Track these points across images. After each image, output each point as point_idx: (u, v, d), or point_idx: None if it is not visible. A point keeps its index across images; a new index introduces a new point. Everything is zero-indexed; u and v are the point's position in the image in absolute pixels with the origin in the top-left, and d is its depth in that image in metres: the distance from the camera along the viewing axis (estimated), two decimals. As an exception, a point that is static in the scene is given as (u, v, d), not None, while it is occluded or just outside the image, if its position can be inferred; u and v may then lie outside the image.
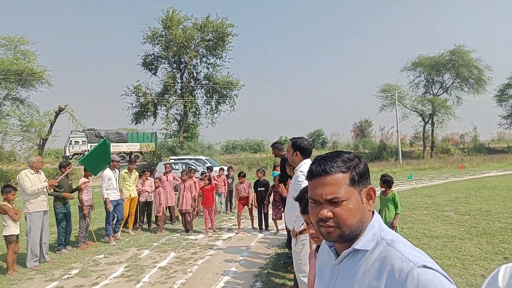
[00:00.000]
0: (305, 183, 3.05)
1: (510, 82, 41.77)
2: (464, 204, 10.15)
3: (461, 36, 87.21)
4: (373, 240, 1.09)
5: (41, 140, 23.97)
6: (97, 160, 7.12)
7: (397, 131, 35.17)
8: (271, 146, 6.23)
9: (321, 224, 1.10)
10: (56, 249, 6.79)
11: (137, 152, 30.38)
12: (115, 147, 28.63)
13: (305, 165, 3.58)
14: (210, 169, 10.96)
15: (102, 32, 79.34)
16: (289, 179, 5.25)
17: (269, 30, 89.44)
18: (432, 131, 38.65)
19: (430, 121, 38.12)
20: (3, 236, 5.66)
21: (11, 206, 5.66)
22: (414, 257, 1.00)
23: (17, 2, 71.08)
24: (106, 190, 7.45)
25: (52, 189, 6.68)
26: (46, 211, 6.15)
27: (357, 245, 1.09)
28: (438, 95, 38.96)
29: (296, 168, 3.64)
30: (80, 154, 27.15)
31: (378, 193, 8.97)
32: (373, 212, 1.16)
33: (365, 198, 1.12)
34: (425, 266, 0.98)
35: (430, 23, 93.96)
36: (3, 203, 5.64)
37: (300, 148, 3.63)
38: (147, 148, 31.14)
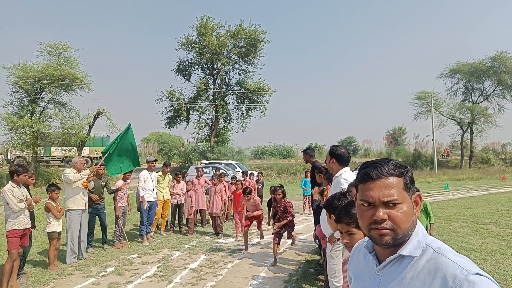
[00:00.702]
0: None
1: (557, 90, 39.22)
2: (506, 217, 9.63)
3: (503, 42, 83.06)
4: (419, 247, 1.10)
5: (81, 142, 25.10)
6: (125, 153, 7.31)
7: (432, 140, 33.90)
8: (303, 152, 6.24)
9: (373, 227, 1.10)
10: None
11: (86, 156, 27.52)
12: (64, 151, 28.04)
13: (345, 173, 3.61)
14: (245, 173, 11.01)
15: (139, 39, 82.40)
16: (316, 186, 5.21)
17: (301, 35, 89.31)
18: (471, 140, 36.93)
19: (469, 130, 36.48)
20: (46, 232, 5.99)
21: (55, 205, 5.99)
22: (466, 265, 1.02)
23: (59, 11, 75.30)
24: (142, 189, 7.70)
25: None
26: (84, 209, 6.46)
27: (404, 251, 1.10)
28: (478, 103, 37.19)
29: (335, 175, 3.67)
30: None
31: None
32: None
33: (414, 204, 1.14)
34: (478, 274, 1.00)
35: (469, 29, 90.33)
36: (48, 201, 5.98)
37: (336, 155, 3.66)
38: (96, 153, 29.31)
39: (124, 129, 7.50)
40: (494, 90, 37.22)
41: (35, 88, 23.32)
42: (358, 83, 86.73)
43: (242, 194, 7.16)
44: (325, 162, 4.10)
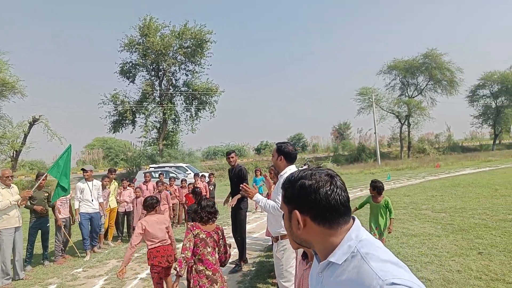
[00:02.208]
0: None
1: (481, 83, 43.48)
2: (440, 202, 10.45)
3: (433, 39, 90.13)
4: (348, 252, 1.05)
5: (15, 151, 23.21)
6: (67, 169, 6.90)
7: (375, 133, 35.90)
8: (227, 154, 6.30)
9: None
10: (24, 265, 6.32)
11: None
12: None
13: (290, 171, 3.59)
14: (197, 175, 10.85)
15: (77, 40, 77.78)
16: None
17: (248, 36, 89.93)
18: (409, 132, 39.71)
19: (406, 122, 39.16)
20: (-25, 253, 5.45)
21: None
22: (384, 273, 0.96)
23: (-14, 11, 68.81)
24: (79, 202, 7.22)
25: (29, 202, 6.51)
26: (18, 227, 5.92)
27: (332, 257, 1.07)
28: (413, 97, 40.13)
29: (281, 173, 3.66)
30: None
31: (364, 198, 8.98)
32: (353, 219, 1.12)
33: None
34: (393, 283, 0.93)
35: (405, 27, 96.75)
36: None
37: (284, 152, 3.64)
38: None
39: (66, 149, 7.03)
40: (426, 84, 40.37)
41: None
42: (304, 80, 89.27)
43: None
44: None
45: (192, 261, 3.43)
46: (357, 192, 14.90)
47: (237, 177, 6.04)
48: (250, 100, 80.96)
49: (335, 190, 1.10)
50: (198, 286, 3.34)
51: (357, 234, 1.08)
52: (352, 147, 41.18)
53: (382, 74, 41.10)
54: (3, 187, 5.80)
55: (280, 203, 2.19)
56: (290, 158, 3.67)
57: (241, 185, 3.80)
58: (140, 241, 4.18)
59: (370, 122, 67.36)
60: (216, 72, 72.03)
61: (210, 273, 3.38)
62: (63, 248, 7.13)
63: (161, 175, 9.93)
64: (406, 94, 41.09)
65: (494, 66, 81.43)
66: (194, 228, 3.52)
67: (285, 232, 3.51)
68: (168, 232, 4.37)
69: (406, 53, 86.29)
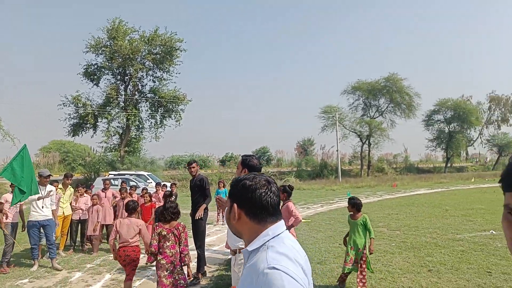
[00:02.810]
0: None
1: (436, 109, 46.28)
2: (396, 220, 10.89)
3: (395, 64, 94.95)
4: (260, 244, 1.27)
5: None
6: (23, 172, 6.49)
7: (337, 151, 37.02)
8: (188, 164, 6.25)
9: None
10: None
11: None
12: None
13: None
14: (159, 184, 10.62)
15: (38, 35, 74.34)
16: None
17: (216, 47, 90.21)
18: (369, 151, 41.29)
19: (367, 142, 40.72)
20: None
21: None
22: (272, 260, 1.16)
23: None
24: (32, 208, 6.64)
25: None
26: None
27: (249, 247, 1.29)
28: (375, 118, 41.95)
29: None
30: None
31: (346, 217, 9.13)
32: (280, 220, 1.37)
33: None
34: (274, 268, 1.13)
35: (370, 50, 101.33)
36: None
37: (249, 166, 3.66)
38: None
39: (20, 149, 6.60)
40: (387, 107, 42.36)
41: None
42: (271, 94, 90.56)
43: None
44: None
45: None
46: (318, 208, 15.19)
47: (198, 187, 5.99)
48: (216, 111, 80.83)
49: (269, 193, 1.35)
50: (159, 276, 4.22)
51: (274, 232, 1.30)
52: (315, 163, 42.10)
53: (346, 94, 42.70)
54: None
55: None
56: (254, 171, 3.71)
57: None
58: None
59: (333, 140, 69.42)
60: (183, 79, 71.58)
61: (164, 263, 4.23)
62: (7, 258, 6.66)
63: (123, 183, 9.63)
64: (368, 115, 42.88)
65: (448, 94, 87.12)
66: (158, 227, 4.35)
67: (243, 246, 3.52)
68: (140, 233, 4.85)
69: (369, 75, 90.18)
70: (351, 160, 47.67)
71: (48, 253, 6.98)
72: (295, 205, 5.32)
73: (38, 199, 6.56)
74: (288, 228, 4.94)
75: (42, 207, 6.67)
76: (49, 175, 7.06)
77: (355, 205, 5.18)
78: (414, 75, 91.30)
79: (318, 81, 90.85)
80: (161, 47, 30.86)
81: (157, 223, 4.50)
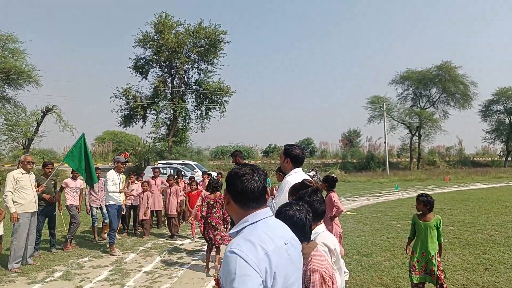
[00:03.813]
0: (286, 194, 3.08)
1: (495, 98, 42.85)
2: (449, 216, 10.33)
3: (449, 52, 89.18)
4: (238, 228, 1.47)
5: (27, 140, 23.56)
6: (81, 159, 6.96)
7: (384, 142, 35.67)
8: (231, 155, 6.19)
9: None
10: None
11: None
12: None
13: (295, 174, 3.56)
14: (205, 173, 10.91)
15: (93, 33, 78.75)
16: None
17: (262, 38, 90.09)
18: (419, 143, 39.32)
19: (417, 134, 38.80)
20: (-14, 236, 5.55)
21: (-5, 206, 5.56)
22: (236, 245, 1.33)
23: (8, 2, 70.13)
24: (110, 193, 6.82)
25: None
26: (34, 212, 6.04)
27: (232, 230, 1.51)
28: (425, 109, 39.78)
29: (286, 176, 3.64)
30: None
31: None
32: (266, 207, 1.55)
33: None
34: (233, 252, 1.30)
35: (420, 37, 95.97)
36: (-13, 202, 5.54)
37: (291, 155, 3.62)
38: None
39: (79, 138, 7.09)
40: (439, 97, 40.00)
41: (-25, 81, 21.57)
42: (316, 85, 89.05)
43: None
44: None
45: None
46: (364, 201, 14.81)
47: None
48: (261, 102, 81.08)
49: (251, 181, 1.49)
50: (206, 233, 5.69)
51: (253, 219, 1.46)
52: (361, 155, 40.93)
53: (395, 84, 40.82)
54: (23, 173, 5.91)
55: (276, 203, 2.85)
56: (297, 161, 3.65)
57: None
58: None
59: (380, 131, 66.93)
60: (228, 72, 72.52)
61: (213, 224, 5.67)
62: (71, 236, 7.22)
63: (179, 173, 10.01)
64: (418, 105, 40.74)
65: (509, 82, 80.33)
66: (206, 198, 5.84)
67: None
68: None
69: (419, 64, 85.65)
70: (400, 152, 45.75)
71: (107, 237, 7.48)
72: (339, 197, 5.22)
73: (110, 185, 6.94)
74: (331, 218, 4.87)
75: (120, 191, 7.04)
76: (126, 161, 7.46)
77: (427, 203, 4.22)
78: (470, 63, 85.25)
79: (364, 71, 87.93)
80: (206, 39, 31.38)
81: (205, 195, 5.98)
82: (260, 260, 1.31)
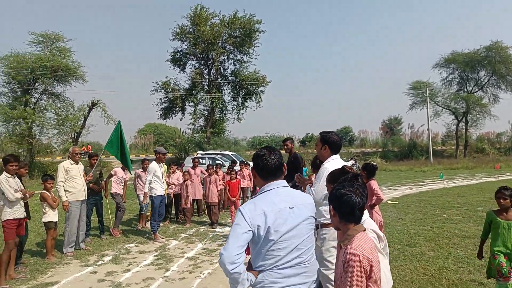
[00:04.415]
0: (324, 181, 3.05)
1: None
2: (499, 205, 9.76)
3: (498, 32, 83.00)
4: (256, 195, 2.04)
5: (75, 133, 24.96)
6: (117, 145, 7.31)
7: (428, 129, 34.10)
8: (283, 142, 6.32)
9: None
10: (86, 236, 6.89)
11: None
12: None
13: (333, 161, 3.51)
14: (234, 162, 11.14)
15: (133, 29, 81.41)
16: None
17: (298, 24, 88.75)
18: (466, 129, 37.12)
19: (463, 120, 36.67)
20: (43, 222, 6.00)
21: (50, 194, 5.98)
22: (244, 205, 1.94)
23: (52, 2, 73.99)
24: (150, 184, 7.02)
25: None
26: (83, 200, 6.45)
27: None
28: (473, 93, 37.33)
29: (323, 163, 3.59)
30: None
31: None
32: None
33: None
34: (239, 209, 1.90)
35: (463, 19, 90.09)
36: (43, 191, 5.97)
37: (329, 142, 3.55)
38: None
39: (116, 125, 7.45)
40: (489, 80, 37.35)
41: (28, 79, 23.04)
42: (353, 72, 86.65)
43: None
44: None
45: None
46: (406, 190, 14.33)
47: (292, 164, 5.85)
48: (296, 91, 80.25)
49: (268, 159, 2.00)
50: None
51: (267, 188, 1.99)
52: (402, 143, 39.39)
53: (438, 68, 38.56)
54: (72, 163, 6.31)
55: (315, 190, 3.25)
56: (335, 148, 3.57)
57: (296, 174, 3.82)
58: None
59: (423, 118, 64.01)
60: (264, 61, 72.27)
61: None
62: (119, 224, 7.64)
63: (218, 164, 10.21)
64: (465, 90, 38.30)
65: None
66: None
67: (325, 222, 3.48)
68: None
69: (465, 45, 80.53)
70: (445, 139, 43.49)
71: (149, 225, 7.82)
72: (379, 186, 5.08)
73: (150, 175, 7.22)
74: (371, 207, 4.76)
75: (163, 182, 7.28)
76: (167, 153, 7.75)
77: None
78: (524, 42, 78.80)
79: (405, 56, 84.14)
80: (241, 30, 31.38)
81: None
82: (255, 216, 1.84)
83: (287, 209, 1.90)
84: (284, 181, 2.06)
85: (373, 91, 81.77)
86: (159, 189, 7.13)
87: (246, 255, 1.81)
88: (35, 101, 23.90)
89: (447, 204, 10.25)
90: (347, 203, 1.85)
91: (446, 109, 36.77)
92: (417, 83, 36.46)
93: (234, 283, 1.80)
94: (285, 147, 6.18)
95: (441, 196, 11.84)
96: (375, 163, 5.98)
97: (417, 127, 42.34)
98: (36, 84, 23.56)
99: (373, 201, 4.80)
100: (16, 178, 5.25)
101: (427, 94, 34.03)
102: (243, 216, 1.83)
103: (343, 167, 2.90)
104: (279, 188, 1.99)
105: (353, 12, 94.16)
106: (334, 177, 2.66)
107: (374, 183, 4.94)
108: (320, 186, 3.37)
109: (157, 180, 7.08)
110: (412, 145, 37.70)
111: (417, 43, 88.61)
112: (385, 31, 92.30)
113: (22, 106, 22.46)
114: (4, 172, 5.07)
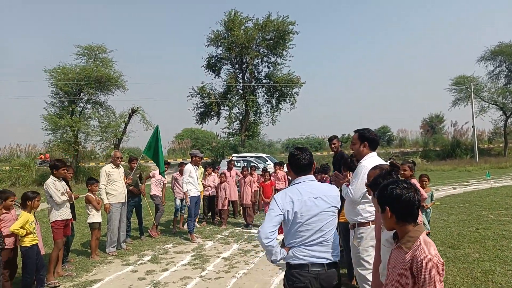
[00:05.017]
0: (364, 179, 2.98)
1: None
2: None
3: (551, 18, 77.11)
4: (288, 186, 2.64)
5: (117, 139, 26.13)
6: (154, 149, 7.52)
7: (472, 127, 32.30)
8: (328, 139, 6.22)
9: None
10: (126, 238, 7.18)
11: None
12: None
13: (370, 158, 3.41)
14: (277, 164, 11.14)
15: (169, 37, 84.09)
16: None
17: (332, 24, 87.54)
18: (516, 126, 34.75)
19: (512, 115, 34.35)
20: (88, 223, 6.35)
21: (94, 197, 6.32)
22: (277, 194, 2.48)
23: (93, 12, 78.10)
24: (187, 184, 7.26)
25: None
26: (124, 202, 6.75)
27: None
28: (523, 86, 34.92)
29: (360, 161, 3.51)
30: None
31: None
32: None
33: None
34: (273, 197, 2.46)
35: (509, 6, 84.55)
36: (88, 194, 6.32)
37: (368, 139, 3.46)
38: None
39: (154, 130, 7.72)
40: (541, 71, 34.77)
41: (74, 90, 24.47)
42: (390, 70, 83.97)
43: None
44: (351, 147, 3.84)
45: None
46: (449, 190, 13.67)
47: (338, 163, 5.70)
48: (332, 92, 79.03)
49: (300, 158, 2.46)
50: None
51: (297, 181, 2.47)
52: (444, 142, 37.50)
53: (484, 61, 36.40)
54: (113, 167, 6.64)
55: (353, 189, 3.37)
56: (374, 144, 3.49)
57: (333, 173, 3.82)
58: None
59: (467, 115, 60.68)
60: (298, 62, 71.96)
61: None
62: (157, 225, 7.91)
63: (252, 167, 10.24)
64: (514, 83, 35.95)
65: None
66: None
67: (363, 220, 3.42)
68: None
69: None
70: (492, 137, 40.94)
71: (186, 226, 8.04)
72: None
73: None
74: None
75: (198, 183, 7.54)
76: (202, 156, 7.94)
77: None
78: None
79: (445, 50, 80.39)
80: (274, 32, 31.47)
81: None
82: (285, 203, 2.34)
83: (311, 199, 2.36)
84: (312, 176, 2.52)
85: (413, 88, 78.77)
86: (193, 190, 7.33)
87: (279, 233, 2.36)
88: (80, 110, 25.30)
89: (494, 204, 9.66)
90: (406, 203, 1.77)
91: (493, 104, 34.60)
92: (460, 78, 34.65)
93: (269, 254, 2.34)
94: (332, 146, 6.13)
95: (488, 196, 11.18)
96: (412, 160, 5.83)
97: (461, 125, 40.09)
98: (81, 94, 24.95)
99: None
100: (62, 181, 5.59)
101: (472, 89, 32.26)
102: (276, 203, 2.35)
103: (391, 161, 2.79)
104: (307, 181, 2.45)
105: (391, 7, 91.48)
106: (386, 176, 2.53)
107: (415, 182, 4.77)
108: (359, 185, 3.31)
109: (191, 182, 7.28)
110: (455, 143, 35.78)
111: (459, 36, 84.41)
112: (425, 25, 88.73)
113: (69, 115, 23.85)
114: (51, 176, 5.41)
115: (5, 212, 4.67)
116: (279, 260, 2.37)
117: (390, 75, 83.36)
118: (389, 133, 45.10)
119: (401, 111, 73.29)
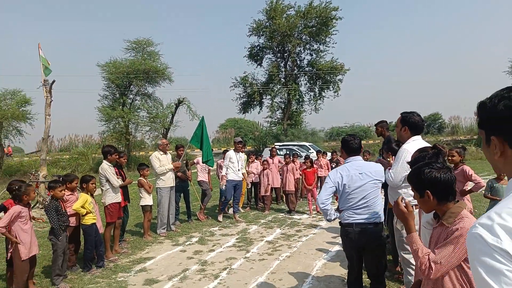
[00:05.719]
0: (405, 162, 2.98)
1: None
2: None
3: None
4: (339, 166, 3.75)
5: (165, 129, 27.25)
6: (200, 139, 7.82)
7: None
8: (375, 125, 6.06)
9: None
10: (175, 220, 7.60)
11: None
12: None
13: (413, 142, 3.37)
14: (319, 152, 11.16)
15: (213, 29, 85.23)
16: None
17: (377, 7, 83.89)
18: None
19: None
20: (140, 206, 6.80)
21: (146, 181, 6.74)
22: (330, 171, 3.62)
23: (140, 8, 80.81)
24: (226, 168, 7.79)
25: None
26: (173, 186, 7.13)
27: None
28: None
29: (402, 145, 3.48)
30: None
31: None
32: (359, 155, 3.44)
33: None
34: (328, 174, 3.38)
35: None
36: (140, 178, 6.75)
37: (409, 123, 3.40)
38: None
39: (200, 120, 8.02)
40: None
41: (125, 82, 25.80)
42: (440, 53, 79.03)
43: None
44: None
45: None
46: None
47: (385, 146, 5.73)
48: (378, 78, 76.13)
49: (352, 142, 3.30)
50: None
51: (348, 160, 3.33)
52: (503, 128, 34.90)
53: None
54: (161, 154, 7.03)
55: (394, 173, 3.46)
56: (416, 129, 3.42)
57: (378, 159, 3.89)
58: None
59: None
60: (342, 48, 69.90)
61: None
62: (204, 209, 8.27)
63: (295, 154, 10.32)
64: None
65: None
66: None
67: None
68: None
69: None
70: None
71: (231, 209, 8.32)
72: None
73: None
74: (463, 193, 4.44)
75: (238, 169, 7.91)
76: (241, 142, 8.17)
77: None
78: None
79: (502, 32, 74.08)
80: (316, 19, 30.83)
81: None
82: (336, 177, 3.21)
83: (357, 174, 3.17)
84: (360, 157, 3.34)
85: (466, 73, 73.66)
86: (232, 174, 7.77)
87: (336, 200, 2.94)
88: (130, 101, 26.64)
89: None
90: (443, 184, 1.82)
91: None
92: (521, 60, 31.95)
93: (325, 215, 3.22)
94: (376, 131, 6.05)
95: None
96: (461, 145, 5.56)
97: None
98: (131, 86, 26.25)
99: (469, 187, 4.53)
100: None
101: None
102: (330, 177, 3.23)
103: (435, 145, 2.77)
104: (354, 161, 3.28)
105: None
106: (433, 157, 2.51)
107: (467, 169, 4.61)
108: (399, 168, 3.29)
109: (231, 166, 7.72)
110: (516, 130, 33.16)
111: (521, 14, 77.28)
112: (485, 5, 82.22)
113: (120, 107, 25.22)
114: (105, 161, 5.82)
115: (70, 194, 5.16)
116: (334, 219, 3.24)
117: (444, 59, 78.51)
118: (440, 120, 42.78)
119: (453, 96, 68.99)
